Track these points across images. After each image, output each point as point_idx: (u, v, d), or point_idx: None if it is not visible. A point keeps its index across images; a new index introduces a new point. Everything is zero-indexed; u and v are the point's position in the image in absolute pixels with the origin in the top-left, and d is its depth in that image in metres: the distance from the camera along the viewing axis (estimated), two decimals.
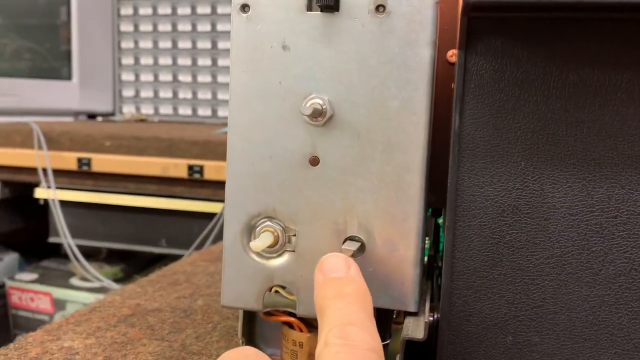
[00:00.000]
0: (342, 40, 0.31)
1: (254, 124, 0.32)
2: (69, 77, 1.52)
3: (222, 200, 0.40)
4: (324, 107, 0.31)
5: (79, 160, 1.14)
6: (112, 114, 1.66)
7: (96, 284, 1.16)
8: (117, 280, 1.20)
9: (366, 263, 0.31)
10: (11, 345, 0.41)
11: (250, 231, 0.33)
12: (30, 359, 0.39)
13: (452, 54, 0.34)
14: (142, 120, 1.60)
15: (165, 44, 1.59)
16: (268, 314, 0.34)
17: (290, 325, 0.34)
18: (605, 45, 0.29)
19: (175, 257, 0.91)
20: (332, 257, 0.29)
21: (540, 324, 0.31)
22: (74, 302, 1.16)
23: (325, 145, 0.32)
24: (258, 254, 0.33)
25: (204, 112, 1.59)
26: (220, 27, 1.55)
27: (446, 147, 0.32)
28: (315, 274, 0.28)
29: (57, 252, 1.34)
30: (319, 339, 0.25)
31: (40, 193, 1.17)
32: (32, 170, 1.16)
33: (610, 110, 0.29)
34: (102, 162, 1.13)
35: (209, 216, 1.09)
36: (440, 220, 0.43)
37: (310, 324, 0.34)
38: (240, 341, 0.36)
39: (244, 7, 0.32)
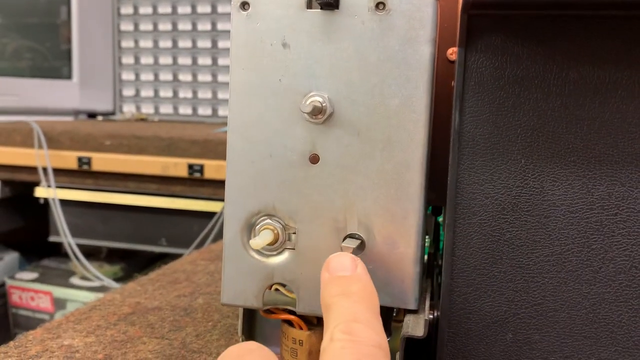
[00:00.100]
0: (342, 37, 0.31)
1: (254, 122, 0.32)
2: (69, 76, 1.52)
3: (222, 200, 0.40)
4: (323, 104, 0.31)
5: (79, 159, 1.14)
6: (113, 113, 1.66)
7: (96, 283, 1.16)
8: (117, 279, 1.20)
9: (366, 261, 0.31)
10: (11, 343, 0.41)
11: (250, 229, 0.33)
12: (30, 357, 0.39)
13: (452, 52, 0.34)
14: (142, 120, 1.60)
15: (166, 43, 1.59)
16: (268, 311, 0.34)
17: (290, 323, 0.34)
18: (605, 42, 0.29)
19: (176, 256, 0.91)
20: (339, 256, 0.29)
21: (540, 322, 0.31)
22: (74, 301, 1.16)
23: (325, 143, 0.32)
24: (258, 251, 0.33)
25: (204, 111, 1.59)
26: (220, 26, 1.55)
27: (446, 145, 0.32)
28: (321, 273, 0.28)
29: (58, 251, 1.34)
30: (324, 335, 0.25)
31: (40, 192, 1.17)
32: (33, 170, 1.16)
33: (611, 107, 0.29)
34: (102, 161, 1.13)
35: (209, 215, 1.09)
36: (441, 219, 0.43)
37: (310, 322, 0.34)
38: (240, 339, 0.36)
39: (244, 5, 0.32)
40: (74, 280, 1.21)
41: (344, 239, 0.32)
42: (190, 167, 1.08)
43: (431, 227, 0.44)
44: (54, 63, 1.52)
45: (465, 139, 0.31)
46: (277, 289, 0.33)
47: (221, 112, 1.57)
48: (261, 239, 0.31)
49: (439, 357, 0.33)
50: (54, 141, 1.16)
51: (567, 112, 0.30)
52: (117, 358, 0.40)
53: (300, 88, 0.32)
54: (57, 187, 1.15)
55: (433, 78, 0.31)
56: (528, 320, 0.31)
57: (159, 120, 1.61)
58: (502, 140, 0.31)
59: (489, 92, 0.31)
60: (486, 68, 0.30)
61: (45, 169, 1.14)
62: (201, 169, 1.07)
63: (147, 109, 1.64)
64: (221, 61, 1.56)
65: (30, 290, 1.20)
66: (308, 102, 0.31)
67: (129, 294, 0.53)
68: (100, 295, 0.54)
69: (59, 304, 1.18)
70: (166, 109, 1.62)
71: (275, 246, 0.32)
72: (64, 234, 1.14)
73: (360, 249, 0.31)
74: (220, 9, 1.54)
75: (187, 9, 1.57)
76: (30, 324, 1.19)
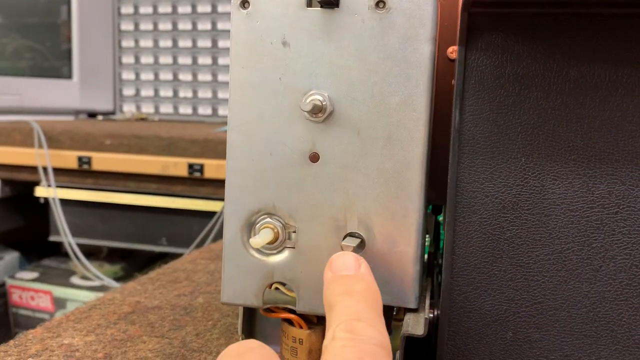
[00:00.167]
0: (342, 36, 0.31)
1: (254, 121, 0.32)
2: (69, 76, 1.52)
3: (222, 199, 0.40)
4: (324, 103, 0.31)
5: (80, 158, 1.14)
6: (113, 113, 1.66)
7: (96, 283, 1.16)
8: (117, 278, 1.20)
9: (366, 259, 0.31)
10: (11, 342, 0.41)
11: (250, 228, 0.33)
12: (30, 355, 0.39)
13: (453, 51, 0.34)
14: (142, 119, 1.60)
15: (166, 42, 1.59)
16: (268, 310, 0.34)
17: (290, 322, 0.34)
18: (605, 41, 0.29)
19: (176, 256, 0.91)
20: (342, 255, 0.29)
21: (540, 321, 0.31)
22: (74, 301, 1.16)
23: (325, 141, 0.32)
24: (258, 250, 0.33)
25: (204, 111, 1.59)
26: (220, 25, 1.55)
27: (446, 144, 0.32)
28: (325, 272, 0.28)
29: (58, 250, 1.34)
30: (326, 333, 0.25)
31: (40, 192, 1.17)
32: (33, 169, 1.16)
33: (611, 106, 0.29)
34: (103, 161, 1.13)
35: (209, 215, 1.09)
36: (441, 218, 0.43)
37: (310, 321, 0.34)
38: (240, 338, 0.36)
39: (244, 4, 0.32)
40: (74, 279, 1.21)
41: (344, 237, 0.32)
42: (191, 166, 1.08)
43: (431, 226, 0.44)
44: (54, 63, 1.52)
45: (465, 137, 0.31)
46: (277, 288, 0.33)
47: (221, 111, 1.57)
48: (261, 237, 0.31)
49: (439, 356, 0.33)
50: (54, 141, 1.16)
51: (568, 111, 0.30)
52: (117, 357, 0.40)
53: (301, 87, 0.32)
54: (58, 186, 1.15)
55: (433, 76, 0.31)
56: (528, 319, 0.31)
57: (159, 120, 1.61)
58: (503, 138, 0.31)
59: (489, 91, 0.31)
60: (486, 66, 0.30)
61: (45, 169, 1.14)
62: (201, 169, 1.07)
63: (147, 109, 1.64)
64: (221, 60, 1.56)
65: (30, 290, 1.20)
66: (308, 101, 0.31)
67: (129, 293, 0.53)
68: (100, 294, 0.54)
69: (59, 303, 1.18)
70: (166, 109, 1.62)
71: (275, 245, 0.32)
72: (64, 234, 1.14)
73: (360, 248, 0.31)
74: (221, 8, 1.54)
75: (187, 9, 1.57)
76: (31, 323, 1.19)
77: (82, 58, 1.53)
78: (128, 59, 1.64)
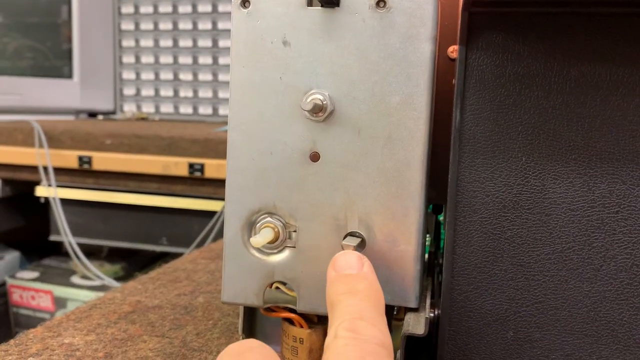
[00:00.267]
0: (342, 35, 0.31)
1: (254, 120, 0.32)
2: (70, 75, 1.52)
3: (223, 199, 0.40)
4: (324, 102, 0.31)
5: (80, 158, 1.14)
6: (113, 113, 1.66)
7: (97, 282, 1.16)
8: (117, 278, 1.20)
9: None
10: (12, 341, 0.41)
11: (250, 227, 0.33)
12: (30, 355, 0.39)
13: (453, 50, 0.34)
14: (143, 119, 1.60)
15: (166, 42, 1.59)
16: (268, 310, 0.34)
17: (290, 321, 0.34)
18: (606, 40, 0.29)
19: (176, 256, 0.91)
20: (345, 254, 0.29)
21: (541, 320, 0.31)
22: (74, 300, 1.16)
23: (325, 141, 0.32)
24: (258, 250, 0.33)
25: (204, 110, 1.59)
26: (221, 25, 1.55)
27: (447, 143, 0.32)
28: (328, 271, 0.28)
29: (58, 250, 1.34)
30: (328, 332, 0.25)
31: (41, 191, 1.17)
32: (33, 169, 1.16)
33: (612, 105, 0.29)
34: (103, 161, 1.13)
35: (210, 214, 1.09)
36: (441, 217, 0.43)
37: (311, 320, 0.34)
38: (241, 337, 0.36)
39: (244, 3, 0.32)
40: (75, 279, 1.21)
41: (345, 237, 0.32)
42: (191, 166, 1.08)
43: (432, 226, 0.44)
44: (55, 62, 1.52)
45: (466, 137, 0.31)
46: (277, 287, 0.33)
47: (222, 111, 1.57)
48: (262, 237, 0.31)
49: (439, 356, 0.33)
50: (55, 140, 1.16)
51: (568, 110, 0.30)
52: (118, 356, 0.40)
53: (301, 86, 0.32)
54: (58, 186, 1.15)
55: (434, 76, 0.31)
56: (529, 319, 0.31)
57: (160, 120, 1.61)
58: (503, 138, 0.31)
59: (489, 90, 0.30)
60: (487, 66, 0.30)
61: (46, 168, 1.14)
62: (202, 168, 1.07)
63: (148, 108, 1.64)
64: (222, 60, 1.56)
65: (30, 290, 1.20)
66: (309, 100, 0.31)
67: (130, 293, 0.53)
68: (100, 294, 0.54)
69: (60, 303, 1.18)
70: (167, 108, 1.62)
71: (275, 244, 0.32)
72: (64, 233, 1.14)
73: (360, 247, 0.31)
74: (221, 7, 1.54)
75: (188, 8, 1.57)
76: (31, 323, 1.19)
77: (82, 58, 1.53)
78: (128, 59, 1.64)
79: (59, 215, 1.14)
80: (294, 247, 0.32)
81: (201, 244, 1.08)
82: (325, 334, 0.30)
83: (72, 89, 1.53)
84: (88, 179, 1.16)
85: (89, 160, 1.13)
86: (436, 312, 0.33)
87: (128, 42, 1.63)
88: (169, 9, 1.58)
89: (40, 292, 1.19)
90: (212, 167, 1.07)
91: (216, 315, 0.48)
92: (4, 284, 1.24)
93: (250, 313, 0.37)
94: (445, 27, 0.34)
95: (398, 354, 0.31)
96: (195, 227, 1.12)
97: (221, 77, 1.56)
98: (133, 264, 1.29)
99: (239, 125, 0.32)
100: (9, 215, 1.29)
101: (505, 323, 0.31)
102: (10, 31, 1.50)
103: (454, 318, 0.32)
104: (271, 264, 0.33)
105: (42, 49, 1.51)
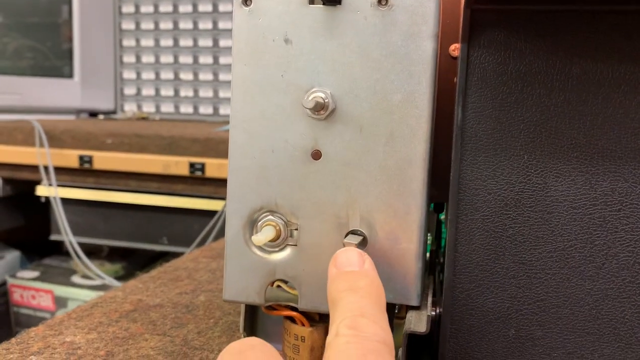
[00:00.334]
0: (344, 33, 0.31)
1: (256, 118, 0.32)
2: (70, 75, 1.52)
3: (224, 198, 0.40)
4: (326, 100, 0.31)
5: (81, 157, 1.14)
6: (114, 112, 1.66)
7: (98, 282, 1.16)
8: (118, 277, 1.20)
9: None
10: (13, 340, 0.41)
11: (252, 225, 0.33)
12: (32, 353, 0.39)
13: (455, 48, 0.34)
14: (143, 118, 1.60)
15: (167, 42, 1.59)
16: (270, 308, 0.34)
17: (292, 319, 0.34)
18: (608, 37, 0.29)
19: (177, 255, 0.91)
20: (346, 251, 0.29)
21: (543, 318, 0.31)
22: (75, 300, 1.16)
23: (327, 138, 0.32)
24: (260, 248, 0.33)
25: (205, 110, 1.59)
26: (221, 24, 1.55)
27: (449, 141, 0.32)
28: (329, 268, 0.28)
29: (59, 249, 1.34)
30: (330, 329, 0.25)
31: (41, 191, 1.17)
32: (34, 168, 1.16)
33: (614, 103, 0.29)
34: (104, 160, 1.13)
35: (210, 214, 1.09)
36: (443, 216, 0.43)
37: (312, 318, 0.34)
38: (242, 336, 0.36)
39: (246, 1, 0.32)
40: (75, 278, 1.21)
41: (346, 235, 0.32)
42: (192, 165, 1.08)
43: (433, 225, 0.44)
44: (55, 62, 1.52)
45: (467, 134, 0.31)
46: (279, 286, 0.33)
47: (222, 110, 1.57)
48: (263, 235, 0.31)
49: (441, 354, 0.33)
50: (56, 140, 1.16)
51: (570, 108, 0.30)
52: (119, 355, 0.40)
53: (303, 84, 0.31)
54: (59, 185, 1.15)
55: (435, 73, 0.31)
56: (531, 317, 0.31)
57: (160, 119, 1.61)
58: (505, 136, 0.31)
59: (491, 88, 0.30)
60: (489, 63, 0.30)
61: (46, 168, 1.14)
62: (202, 168, 1.07)
63: (149, 108, 1.64)
64: (222, 60, 1.56)
65: (31, 289, 1.20)
66: (310, 98, 0.31)
67: (131, 291, 0.53)
68: (101, 294, 0.54)
69: (60, 302, 1.18)
70: (167, 108, 1.62)
71: (277, 242, 0.32)
72: (65, 233, 1.14)
73: (362, 245, 0.31)
74: (222, 7, 1.54)
75: (189, 8, 1.57)
76: (32, 322, 1.19)
77: (83, 57, 1.53)
78: (129, 58, 1.64)
79: (60, 214, 1.14)
80: (296, 245, 0.32)
81: (201, 243, 1.08)
82: (326, 332, 0.30)
83: (73, 88, 1.53)
84: (89, 178, 1.16)
85: (90, 160, 1.13)
86: (438, 310, 0.33)
87: (129, 42, 1.63)
88: (170, 8, 1.58)
89: (41, 292, 1.19)
90: (213, 167, 1.07)
91: (217, 313, 0.48)
92: (4, 283, 1.24)
93: (252, 311, 0.37)
94: (447, 25, 0.34)
95: (400, 352, 0.31)
96: (196, 227, 1.12)
97: (222, 76, 1.56)
98: (133, 263, 1.29)
99: (240, 123, 0.32)
100: (9, 214, 1.29)
101: (507, 321, 0.31)
102: (11, 31, 1.50)
103: (456, 316, 0.32)
104: (273, 262, 0.33)
105: (42, 49, 1.51)
